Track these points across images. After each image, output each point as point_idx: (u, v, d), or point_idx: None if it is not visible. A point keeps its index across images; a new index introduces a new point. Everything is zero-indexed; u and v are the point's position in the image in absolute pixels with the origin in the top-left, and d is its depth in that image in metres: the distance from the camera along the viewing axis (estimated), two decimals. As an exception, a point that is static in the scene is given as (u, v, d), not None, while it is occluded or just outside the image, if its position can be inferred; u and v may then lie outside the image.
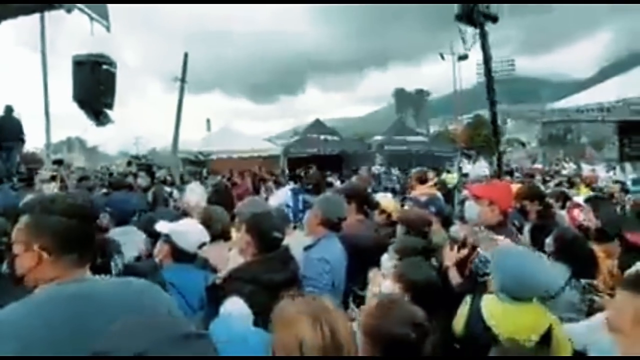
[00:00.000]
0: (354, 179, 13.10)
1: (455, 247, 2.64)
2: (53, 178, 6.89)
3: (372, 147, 19.89)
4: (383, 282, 2.26)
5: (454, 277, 2.54)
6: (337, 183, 11.75)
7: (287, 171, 12.52)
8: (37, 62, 13.41)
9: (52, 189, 6.33)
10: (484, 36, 7.88)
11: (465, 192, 7.74)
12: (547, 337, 1.85)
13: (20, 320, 1.15)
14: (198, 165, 10.82)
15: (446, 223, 3.35)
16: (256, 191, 9.01)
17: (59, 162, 9.64)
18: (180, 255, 2.40)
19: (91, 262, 1.40)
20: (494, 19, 7.79)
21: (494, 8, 7.67)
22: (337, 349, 1.19)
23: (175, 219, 2.81)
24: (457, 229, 2.95)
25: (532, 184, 6.07)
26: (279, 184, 9.11)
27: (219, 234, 2.74)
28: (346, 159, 17.31)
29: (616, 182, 9.64)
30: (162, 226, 2.46)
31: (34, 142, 10.98)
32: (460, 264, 2.59)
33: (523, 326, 1.86)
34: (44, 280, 1.28)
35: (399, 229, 2.86)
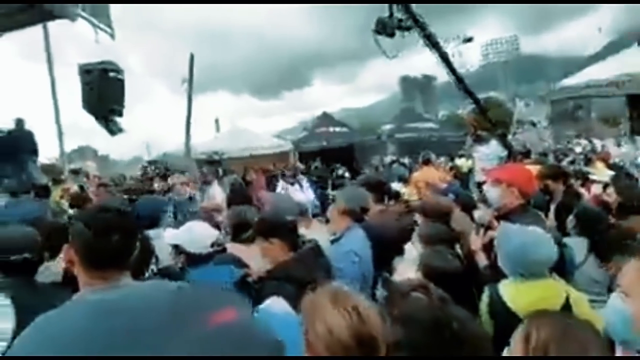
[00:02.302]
0: (365, 170, 13.17)
1: (481, 231, 2.64)
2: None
3: (382, 136, 19.78)
4: (408, 271, 2.27)
5: (481, 261, 2.55)
6: (347, 175, 11.78)
7: (302, 166, 12.52)
8: (44, 74, 13.64)
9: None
10: (428, 37, 7.58)
11: (479, 176, 7.74)
12: (565, 310, 1.88)
13: (41, 331, 1.17)
14: (214, 165, 10.89)
15: (467, 208, 3.34)
16: (270, 188, 9.05)
17: (76, 172, 9.80)
18: (193, 259, 2.41)
19: (131, 269, 1.42)
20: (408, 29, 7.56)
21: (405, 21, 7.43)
22: (364, 326, 1.19)
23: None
24: (482, 214, 2.94)
25: (554, 163, 6.01)
26: (293, 180, 9.14)
27: (251, 237, 2.76)
28: (357, 150, 17.23)
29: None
30: (169, 238, 2.48)
31: (46, 152, 11.15)
32: (488, 248, 2.59)
33: (538, 301, 1.87)
34: (81, 284, 1.32)
35: (421, 217, 2.86)
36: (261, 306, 1.70)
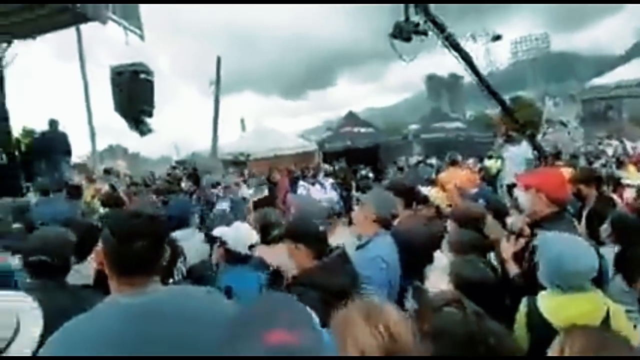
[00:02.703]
0: (390, 170, 12.99)
1: (512, 239, 2.54)
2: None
3: (408, 136, 19.50)
4: (440, 281, 2.19)
5: (512, 270, 2.45)
6: (371, 175, 11.65)
7: (328, 167, 12.49)
8: (77, 74, 14.12)
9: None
10: (447, 38, 7.36)
11: (510, 178, 7.52)
12: (604, 324, 1.80)
13: (71, 336, 1.19)
14: (239, 166, 11.03)
15: (499, 214, 3.20)
16: (293, 189, 9.07)
17: (108, 171, 10.09)
18: (233, 257, 2.56)
19: (159, 274, 1.42)
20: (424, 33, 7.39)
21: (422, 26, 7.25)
22: (395, 344, 1.17)
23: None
24: (515, 220, 2.82)
25: (587, 167, 5.78)
26: (314, 180, 9.13)
27: (277, 237, 2.78)
28: (382, 150, 17.03)
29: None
30: (217, 231, 2.63)
31: (78, 151, 11.52)
32: (519, 256, 2.49)
33: (579, 315, 1.77)
34: (111, 289, 1.33)
35: (451, 224, 2.77)
36: None
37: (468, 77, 8.23)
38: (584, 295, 1.92)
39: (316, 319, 0.97)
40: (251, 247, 2.62)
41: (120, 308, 1.24)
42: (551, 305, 1.92)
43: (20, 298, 1.48)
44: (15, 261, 2.53)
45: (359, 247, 2.57)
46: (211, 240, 2.90)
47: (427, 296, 1.75)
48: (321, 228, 2.16)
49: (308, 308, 1.56)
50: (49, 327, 1.30)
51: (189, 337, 1.20)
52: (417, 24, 6.89)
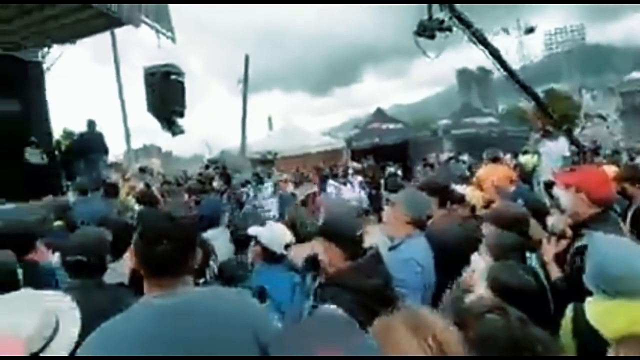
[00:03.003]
0: (418, 167, 12.75)
1: (553, 240, 2.42)
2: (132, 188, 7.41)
3: (438, 132, 19.07)
4: (475, 285, 2.10)
5: (554, 273, 2.34)
6: (399, 173, 11.45)
7: (357, 165, 12.38)
8: (111, 77, 14.63)
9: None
10: (474, 34, 7.10)
11: (547, 174, 7.24)
12: None
13: (107, 337, 1.21)
14: (267, 165, 11.14)
15: (538, 215, 3.04)
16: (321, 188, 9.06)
17: (143, 170, 10.41)
18: (269, 255, 2.61)
19: (190, 274, 1.42)
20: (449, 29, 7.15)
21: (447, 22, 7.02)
22: (444, 354, 1.12)
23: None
24: (556, 221, 2.69)
25: (632, 164, 5.49)
26: (345, 180, 9.09)
27: (306, 236, 2.79)
28: (411, 147, 16.72)
29: None
30: (252, 230, 2.68)
31: (113, 150, 11.93)
32: (560, 259, 2.37)
33: (631, 324, 1.60)
34: (144, 289, 1.35)
35: (489, 226, 2.64)
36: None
37: (499, 71, 7.99)
38: (635, 302, 1.80)
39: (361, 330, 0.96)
40: (287, 246, 2.66)
41: (154, 309, 1.25)
42: (598, 311, 1.75)
43: (59, 298, 1.52)
44: (55, 259, 2.61)
45: (391, 248, 2.51)
46: (238, 239, 2.94)
47: (467, 303, 1.68)
48: (358, 231, 2.10)
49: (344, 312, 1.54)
50: (87, 327, 1.32)
51: (219, 340, 1.21)
52: (442, 21, 6.78)
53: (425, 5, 7.02)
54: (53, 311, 1.39)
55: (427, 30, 6.80)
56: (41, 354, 1.25)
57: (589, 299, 1.83)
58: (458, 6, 7.00)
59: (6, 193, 7.19)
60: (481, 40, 7.28)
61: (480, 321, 1.41)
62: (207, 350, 1.19)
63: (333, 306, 1.75)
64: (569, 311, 1.88)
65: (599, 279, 1.79)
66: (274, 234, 2.65)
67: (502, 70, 7.71)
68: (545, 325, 1.78)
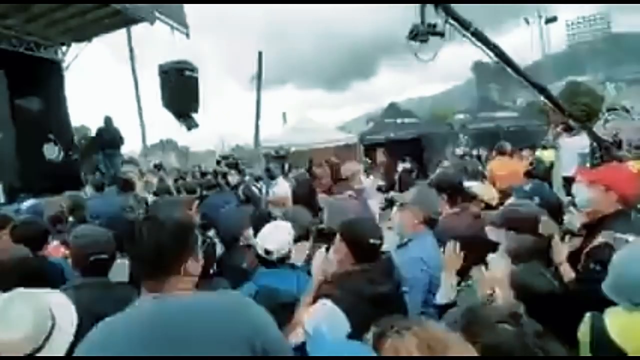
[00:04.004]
0: (436, 163, 12.54)
1: (567, 238, 2.32)
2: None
3: (454, 127, 18.71)
4: (494, 285, 2.03)
5: (567, 274, 2.23)
6: (414, 169, 11.28)
7: (367, 160, 12.27)
8: (128, 73, 14.87)
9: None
10: (472, 32, 6.89)
11: (563, 171, 7.03)
12: None
13: (102, 336, 1.20)
14: (280, 160, 11.13)
15: (555, 213, 2.93)
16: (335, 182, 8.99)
17: (159, 167, 10.56)
18: (266, 259, 2.38)
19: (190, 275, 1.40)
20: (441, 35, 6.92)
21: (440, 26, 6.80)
22: None
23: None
24: (572, 219, 2.59)
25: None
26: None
27: (303, 235, 2.72)
28: (426, 142, 16.47)
29: None
30: (249, 235, 2.58)
31: (130, 146, 12.14)
32: (575, 257, 2.28)
33: None
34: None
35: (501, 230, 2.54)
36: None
37: (519, 62, 7.76)
38: None
39: None
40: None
41: (145, 311, 1.24)
42: (622, 325, 1.62)
43: (56, 296, 1.52)
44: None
45: (399, 246, 2.48)
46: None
47: (479, 311, 1.60)
48: (374, 239, 2.03)
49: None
50: (85, 325, 1.32)
51: (210, 344, 1.18)
52: (435, 25, 6.65)
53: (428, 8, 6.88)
54: (49, 310, 1.39)
55: (419, 34, 6.68)
56: (38, 354, 1.26)
57: (609, 310, 1.70)
58: (454, 8, 6.83)
59: (26, 189, 7.40)
60: (482, 39, 7.11)
61: (492, 330, 1.36)
62: (194, 352, 1.16)
63: (327, 301, 1.72)
64: (586, 321, 1.71)
65: (618, 287, 1.67)
66: (271, 235, 2.42)
67: (509, 69, 7.51)
68: (568, 332, 1.68)
